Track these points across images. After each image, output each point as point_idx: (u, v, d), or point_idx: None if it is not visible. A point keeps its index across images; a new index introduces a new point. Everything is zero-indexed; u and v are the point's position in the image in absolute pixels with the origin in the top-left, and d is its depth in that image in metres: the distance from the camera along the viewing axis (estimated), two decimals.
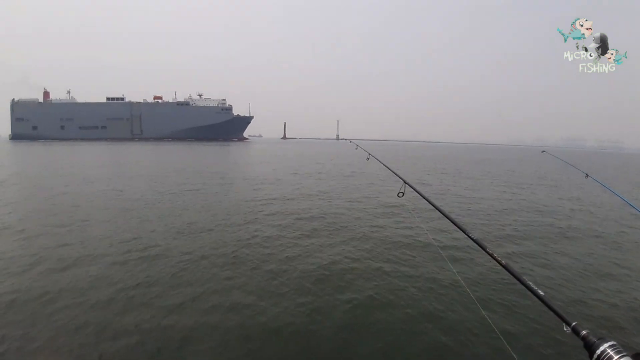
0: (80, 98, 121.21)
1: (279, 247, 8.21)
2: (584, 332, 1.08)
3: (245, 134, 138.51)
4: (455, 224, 2.04)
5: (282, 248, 8.18)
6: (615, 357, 0.95)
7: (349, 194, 16.08)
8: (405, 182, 3.01)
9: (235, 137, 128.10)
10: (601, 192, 17.48)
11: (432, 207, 2.44)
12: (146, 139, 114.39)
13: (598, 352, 0.98)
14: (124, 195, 14.84)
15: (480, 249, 1.73)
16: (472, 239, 1.82)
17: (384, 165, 4.33)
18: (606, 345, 0.98)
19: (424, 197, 2.66)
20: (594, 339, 1.03)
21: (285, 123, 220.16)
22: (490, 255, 1.62)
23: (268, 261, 7.29)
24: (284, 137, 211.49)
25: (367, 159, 5.68)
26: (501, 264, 1.53)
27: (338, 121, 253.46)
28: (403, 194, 2.93)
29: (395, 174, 3.48)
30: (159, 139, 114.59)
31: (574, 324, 1.12)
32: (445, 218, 2.24)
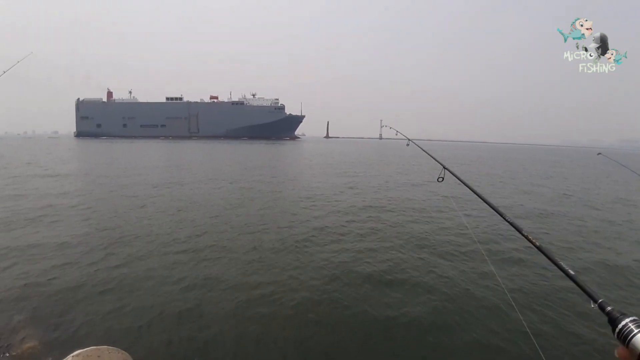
0: (140, 97, 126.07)
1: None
2: (609, 308, 1.11)
3: None
4: (492, 206, 2.09)
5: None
6: (636, 331, 0.98)
7: None
8: (444, 167, 3.01)
9: (287, 136, 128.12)
10: None
11: (471, 192, 2.46)
12: (202, 137, 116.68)
13: (620, 325, 1.02)
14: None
15: (516, 230, 1.76)
16: (508, 221, 1.88)
17: (423, 150, 4.28)
18: (628, 320, 1.02)
19: (462, 182, 2.66)
20: (617, 314, 1.06)
21: (328, 122, 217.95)
22: (526, 237, 1.67)
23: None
24: (327, 137, 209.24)
25: (407, 144, 5.75)
26: (535, 245, 1.58)
27: (381, 120, 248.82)
28: (443, 178, 2.96)
29: (435, 159, 3.47)
30: (215, 137, 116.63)
31: (600, 300, 1.15)
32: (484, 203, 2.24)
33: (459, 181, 2.73)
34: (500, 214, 1.97)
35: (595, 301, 1.16)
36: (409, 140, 5.96)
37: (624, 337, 0.98)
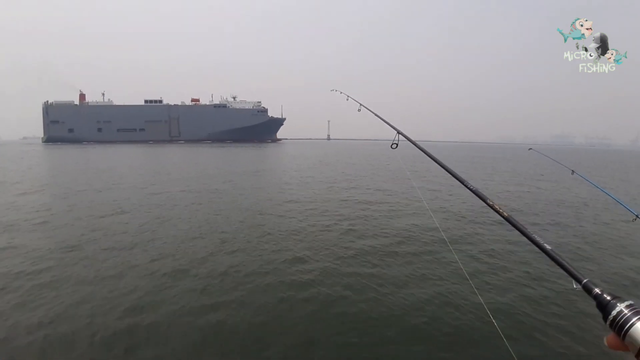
0: (115, 100, 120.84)
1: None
2: (596, 290, 0.91)
3: None
4: (452, 174, 1.86)
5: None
6: (634, 319, 0.79)
7: None
8: (398, 132, 2.82)
9: (269, 139, 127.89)
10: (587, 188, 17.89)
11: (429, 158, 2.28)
12: (184, 141, 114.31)
13: (614, 312, 0.83)
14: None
15: (480, 200, 1.53)
16: (470, 189, 1.63)
17: (376, 115, 3.95)
18: (623, 305, 0.83)
19: (417, 147, 2.48)
20: (608, 299, 0.87)
21: None
22: (491, 206, 1.43)
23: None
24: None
25: (359, 109, 4.94)
26: (503, 216, 1.32)
27: (329, 121, 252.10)
28: (397, 145, 2.80)
29: (388, 123, 3.28)
30: (197, 140, 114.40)
31: (585, 280, 0.96)
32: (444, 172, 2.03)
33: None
34: (462, 181, 1.73)
35: (579, 281, 0.97)
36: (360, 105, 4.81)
37: (620, 327, 0.81)
